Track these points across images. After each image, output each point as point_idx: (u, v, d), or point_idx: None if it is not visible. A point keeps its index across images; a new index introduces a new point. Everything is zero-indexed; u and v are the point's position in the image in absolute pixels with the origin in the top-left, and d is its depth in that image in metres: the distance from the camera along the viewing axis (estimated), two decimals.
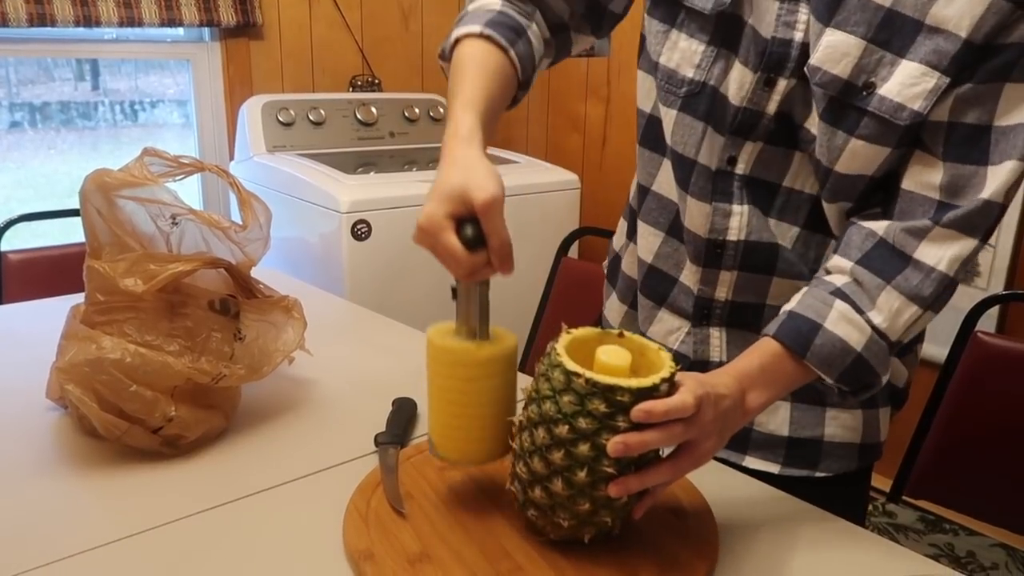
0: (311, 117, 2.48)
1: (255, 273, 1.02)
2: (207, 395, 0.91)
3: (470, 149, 0.76)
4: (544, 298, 1.93)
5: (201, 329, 0.91)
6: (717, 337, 0.95)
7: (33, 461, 0.90)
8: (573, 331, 0.74)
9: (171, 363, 0.85)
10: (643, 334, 1.02)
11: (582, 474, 0.67)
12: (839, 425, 0.93)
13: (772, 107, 0.83)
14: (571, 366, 0.67)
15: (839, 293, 0.78)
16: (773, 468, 0.94)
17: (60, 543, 0.75)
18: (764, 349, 0.77)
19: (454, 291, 0.75)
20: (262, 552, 0.75)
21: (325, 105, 2.52)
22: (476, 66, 0.84)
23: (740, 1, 0.83)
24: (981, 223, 0.76)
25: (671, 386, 0.67)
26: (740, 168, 0.86)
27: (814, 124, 0.81)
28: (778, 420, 0.94)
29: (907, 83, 0.75)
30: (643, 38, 0.94)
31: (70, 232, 2.09)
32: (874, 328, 0.77)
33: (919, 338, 0.96)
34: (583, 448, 0.66)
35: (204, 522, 0.79)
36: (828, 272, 0.81)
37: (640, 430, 0.66)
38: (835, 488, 0.93)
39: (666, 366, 0.68)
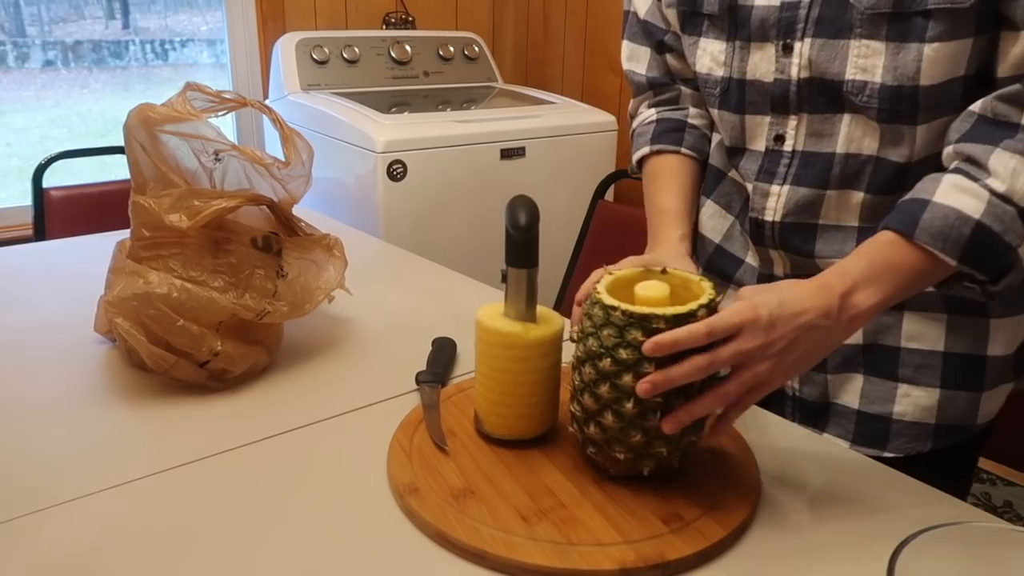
0: (345, 55, 2.45)
1: (294, 211, 1.02)
2: (251, 331, 0.92)
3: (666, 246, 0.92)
4: (580, 241, 1.91)
5: (244, 266, 0.91)
6: None
7: (83, 393, 0.92)
8: (615, 271, 0.74)
9: (216, 299, 0.86)
10: None
11: (629, 405, 0.68)
12: (911, 403, 0.88)
13: (795, 72, 0.83)
14: (609, 300, 0.69)
15: (949, 172, 0.73)
16: (843, 444, 0.91)
17: (108, 473, 0.77)
18: (872, 242, 0.73)
19: (503, 275, 0.77)
20: (308, 485, 0.76)
21: (359, 43, 2.49)
22: (661, 182, 0.99)
23: None
24: None
25: (710, 313, 0.68)
26: (788, 144, 0.87)
27: (859, 71, 0.79)
28: (851, 392, 0.90)
29: None
30: None
31: (106, 171, 2.10)
32: (992, 192, 0.70)
33: None
34: (627, 379, 0.68)
35: (250, 455, 0.81)
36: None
37: (686, 354, 0.66)
38: (938, 467, 0.88)
39: (706, 294, 0.70)
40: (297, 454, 0.81)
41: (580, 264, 1.87)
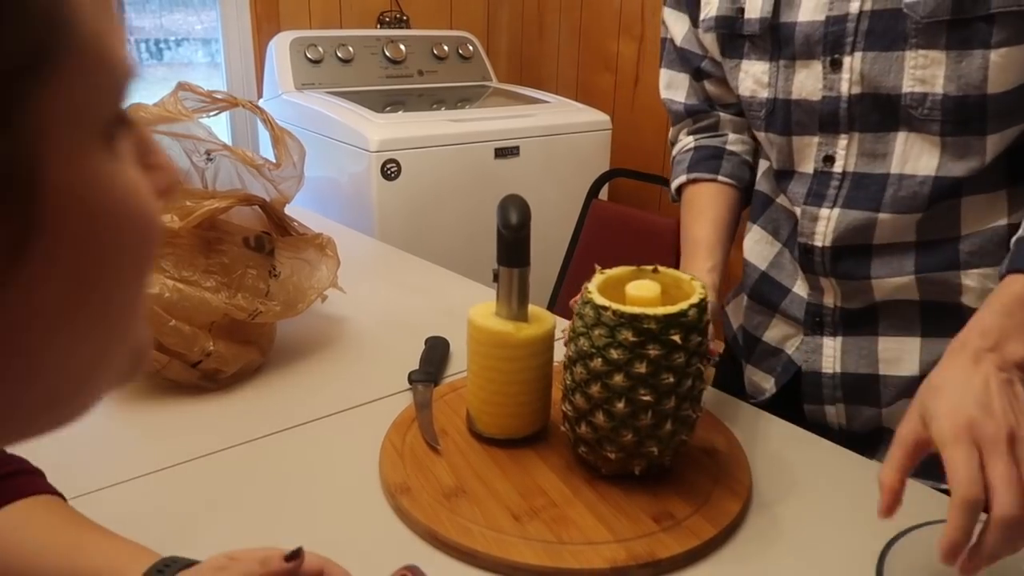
0: (339, 54, 2.44)
1: (286, 209, 1.02)
2: (244, 331, 0.92)
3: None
4: (574, 240, 1.92)
5: (237, 266, 0.91)
6: (831, 347, 0.90)
7: None
8: (606, 271, 0.74)
9: (209, 299, 0.86)
10: (758, 339, 0.99)
11: (620, 404, 0.68)
12: None
13: (846, 88, 0.80)
14: (600, 300, 0.69)
15: None
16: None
17: (100, 473, 0.77)
18: (1002, 291, 0.66)
19: (495, 274, 0.77)
20: (300, 484, 0.76)
21: (353, 42, 2.49)
22: (695, 212, 0.96)
23: (779, 9, 0.83)
24: None
25: (700, 312, 0.68)
26: (838, 166, 0.83)
27: (917, 83, 0.75)
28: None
29: None
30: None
31: None
32: None
33: None
34: (618, 379, 0.68)
35: (242, 455, 0.81)
36: None
37: (673, 360, 0.67)
38: None
39: (696, 293, 0.70)
40: (290, 454, 0.81)
41: (574, 263, 1.87)
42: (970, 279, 0.81)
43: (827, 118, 0.82)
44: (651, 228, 1.72)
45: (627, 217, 1.86)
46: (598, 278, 0.74)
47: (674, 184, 1.02)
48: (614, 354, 0.67)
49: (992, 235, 0.80)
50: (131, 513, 0.71)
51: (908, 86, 0.76)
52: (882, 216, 0.81)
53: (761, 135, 0.92)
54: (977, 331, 0.63)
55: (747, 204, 1.01)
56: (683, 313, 0.67)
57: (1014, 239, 0.71)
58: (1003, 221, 0.80)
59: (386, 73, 2.52)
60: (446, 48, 2.64)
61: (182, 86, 0.89)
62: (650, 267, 0.75)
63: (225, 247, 0.91)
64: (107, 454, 0.80)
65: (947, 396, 0.58)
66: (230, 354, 0.90)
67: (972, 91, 0.73)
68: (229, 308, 0.87)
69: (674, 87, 1.02)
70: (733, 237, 0.98)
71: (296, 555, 0.55)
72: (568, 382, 0.73)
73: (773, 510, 0.74)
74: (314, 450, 0.82)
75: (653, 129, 2.50)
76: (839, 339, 0.89)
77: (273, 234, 0.97)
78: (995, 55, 0.71)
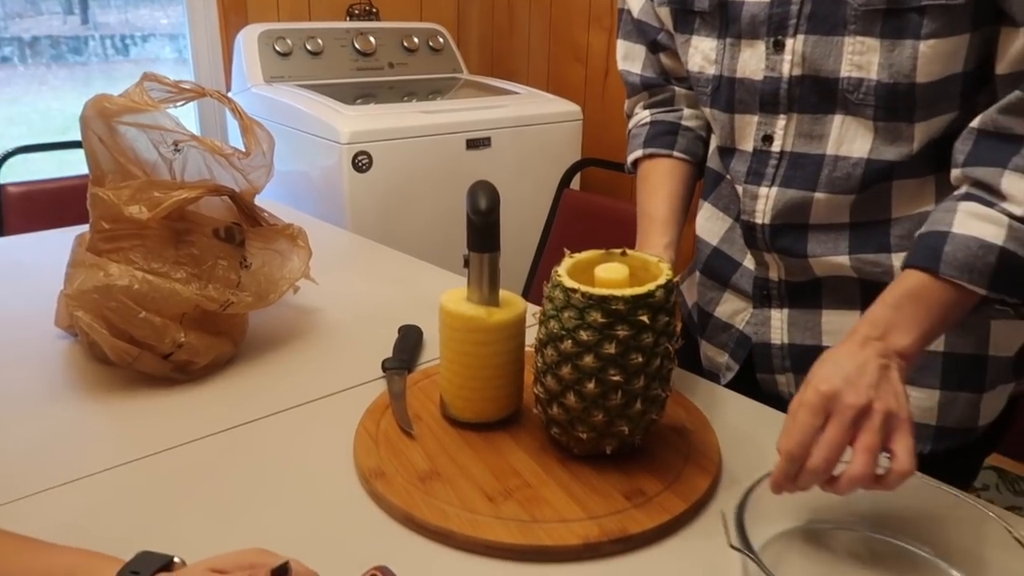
0: (308, 47, 2.43)
1: (258, 202, 1.02)
2: (215, 322, 0.92)
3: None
4: (546, 229, 1.93)
5: (207, 257, 0.91)
6: (778, 319, 0.92)
7: (46, 387, 0.91)
8: (576, 255, 0.75)
9: (179, 290, 0.86)
10: (710, 314, 1.01)
11: (591, 385, 0.69)
12: (911, 404, 0.84)
13: (787, 69, 0.81)
14: (569, 283, 0.70)
15: (962, 198, 0.72)
16: None
17: (74, 465, 0.76)
18: (897, 284, 0.70)
19: (466, 260, 0.78)
20: (274, 473, 0.76)
21: (322, 34, 2.47)
22: (650, 187, 0.98)
23: None
24: None
25: (667, 292, 0.70)
26: (777, 145, 0.85)
27: (854, 68, 0.77)
28: None
29: None
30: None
31: (65, 168, 2.07)
32: (1011, 216, 0.69)
33: None
34: (588, 360, 0.69)
35: (215, 445, 0.81)
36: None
37: (642, 340, 0.68)
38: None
39: (663, 275, 0.71)
40: (263, 443, 0.82)
41: (547, 252, 1.88)
42: (899, 261, 0.83)
43: (767, 98, 0.84)
44: (622, 216, 1.73)
45: (598, 206, 1.87)
46: (567, 262, 0.75)
47: (630, 158, 1.03)
48: (584, 335, 0.69)
49: (920, 219, 0.82)
50: (103, 505, 0.71)
51: (846, 71, 0.78)
52: (818, 196, 0.84)
53: (707, 111, 0.93)
54: (868, 321, 0.69)
55: (701, 178, 1.03)
56: (650, 294, 0.68)
57: (917, 233, 0.73)
58: (931, 207, 0.82)
59: (356, 66, 2.51)
60: (416, 40, 2.63)
61: (147, 76, 0.89)
62: (618, 250, 0.76)
63: (195, 238, 0.91)
64: (79, 446, 0.80)
65: (825, 368, 0.65)
66: (202, 345, 0.90)
67: (902, 79, 0.75)
68: (200, 299, 0.87)
69: (631, 59, 1.03)
70: (687, 212, 1.00)
71: (284, 571, 0.53)
72: (539, 364, 0.74)
73: (742, 485, 0.75)
74: (288, 439, 0.82)
75: (624, 119, 2.52)
76: (785, 311, 0.92)
77: (243, 225, 0.97)
78: (924, 46, 0.73)
